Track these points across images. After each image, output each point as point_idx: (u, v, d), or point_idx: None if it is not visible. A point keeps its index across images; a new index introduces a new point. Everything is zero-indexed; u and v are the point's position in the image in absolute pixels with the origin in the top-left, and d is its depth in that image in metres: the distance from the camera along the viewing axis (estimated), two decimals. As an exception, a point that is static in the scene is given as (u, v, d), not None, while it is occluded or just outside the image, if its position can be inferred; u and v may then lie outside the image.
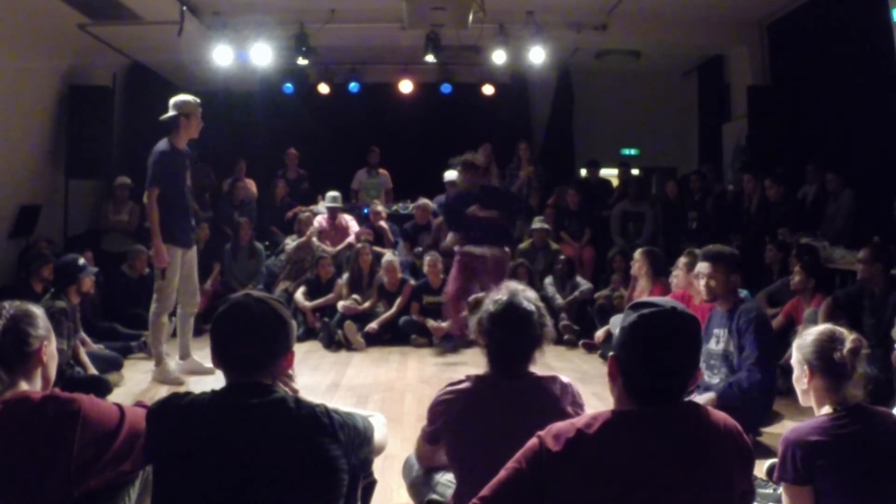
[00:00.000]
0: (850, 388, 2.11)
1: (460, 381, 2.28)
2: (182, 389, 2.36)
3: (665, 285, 5.47)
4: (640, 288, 5.80)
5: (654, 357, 1.60)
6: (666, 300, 1.68)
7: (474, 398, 2.21)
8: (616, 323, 5.04)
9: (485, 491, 1.60)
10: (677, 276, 5.06)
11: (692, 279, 4.50)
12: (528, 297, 2.24)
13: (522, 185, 9.02)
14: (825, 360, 2.12)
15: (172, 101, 5.18)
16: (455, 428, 2.23)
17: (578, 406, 2.21)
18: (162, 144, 5.13)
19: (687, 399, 1.66)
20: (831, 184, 6.88)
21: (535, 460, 1.58)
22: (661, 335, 1.59)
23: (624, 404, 1.63)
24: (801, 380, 2.20)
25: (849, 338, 2.14)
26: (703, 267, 3.91)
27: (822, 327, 2.22)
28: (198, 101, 5.23)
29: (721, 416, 1.66)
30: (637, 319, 1.61)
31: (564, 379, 2.26)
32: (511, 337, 2.20)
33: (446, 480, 2.40)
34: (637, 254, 5.90)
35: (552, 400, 2.17)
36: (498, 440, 2.11)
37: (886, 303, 4.74)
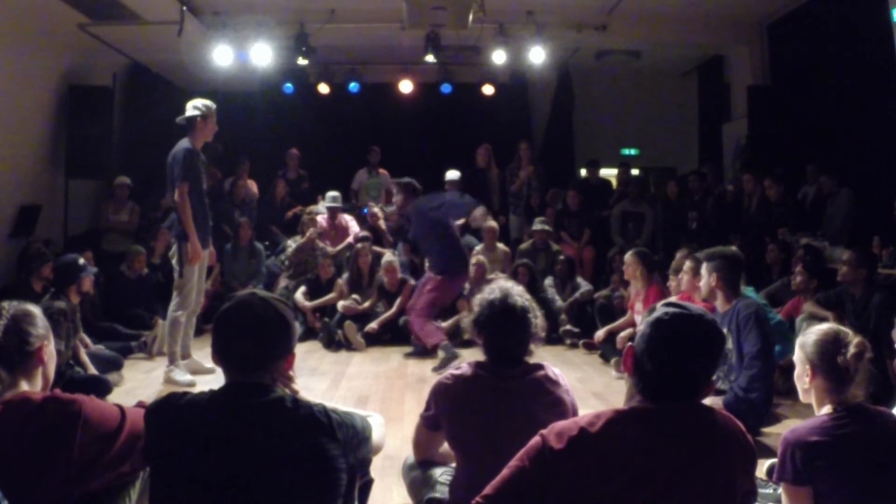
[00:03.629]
0: (852, 389, 2.10)
1: (460, 367, 2.38)
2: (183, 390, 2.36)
3: (660, 285, 5.43)
4: (635, 290, 5.66)
5: (665, 355, 1.61)
6: (699, 308, 1.69)
7: (474, 383, 2.28)
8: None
9: (488, 489, 1.61)
10: (682, 279, 5.01)
11: (696, 283, 4.47)
12: (519, 292, 2.36)
13: (522, 185, 9.01)
14: (828, 362, 2.10)
15: (190, 103, 5.16)
16: (455, 412, 2.29)
17: (568, 393, 2.30)
18: (185, 143, 5.09)
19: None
20: (826, 185, 6.89)
21: (538, 458, 1.59)
22: (678, 337, 1.61)
23: (632, 395, 1.65)
24: (802, 378, 2.20)
25: (853, 341, 2.11)
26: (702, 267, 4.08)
27: (826, 327, 2.20)
28: (213, 105, 5.22)
29: (725, 415, 1.68)
30: (662, 316, 1.63)
31: (555, 368, 2.36)
32: (510, 334, 2.30)
33: (445, 479, 2.41)
34: (628, 256, 5.65)
35: (548, 384, 2.26)
36: (497, 424, 2.18)
37: (869, 305, 4.76)
